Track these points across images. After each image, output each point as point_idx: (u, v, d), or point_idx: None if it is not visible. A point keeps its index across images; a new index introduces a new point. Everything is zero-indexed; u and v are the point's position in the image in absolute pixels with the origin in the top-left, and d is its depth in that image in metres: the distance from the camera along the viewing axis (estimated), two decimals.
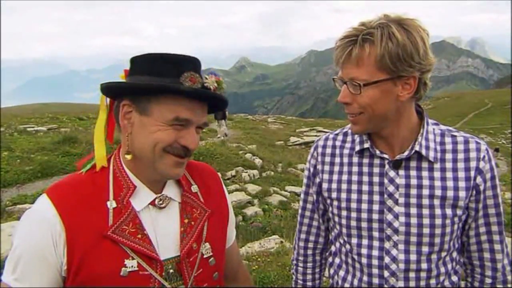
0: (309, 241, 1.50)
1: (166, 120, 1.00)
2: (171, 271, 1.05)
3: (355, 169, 1.29)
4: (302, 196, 1.48)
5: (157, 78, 1.00)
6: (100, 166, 1.08)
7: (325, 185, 1.34)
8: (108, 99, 1.12)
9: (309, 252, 1.51)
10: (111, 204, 1.02)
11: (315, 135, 24.22)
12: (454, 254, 1.29)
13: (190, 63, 1.02)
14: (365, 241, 1.26)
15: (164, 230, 1.07)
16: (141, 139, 1.02)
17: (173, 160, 1.03)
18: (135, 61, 1.05)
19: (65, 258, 0.97)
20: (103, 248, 0.98)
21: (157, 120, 1.00)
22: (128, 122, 1.04)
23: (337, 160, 1.34)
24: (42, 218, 0.98)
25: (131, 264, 0.99)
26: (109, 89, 1.07)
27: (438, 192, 1.19)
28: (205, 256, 1.12)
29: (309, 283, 1.53)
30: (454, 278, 1.29)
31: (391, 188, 1.22)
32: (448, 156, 1.22)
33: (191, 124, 1.03)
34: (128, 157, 1.05)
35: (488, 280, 1.30)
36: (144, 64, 1.03)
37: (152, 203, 1.08)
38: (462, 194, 1.19)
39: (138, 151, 1.04)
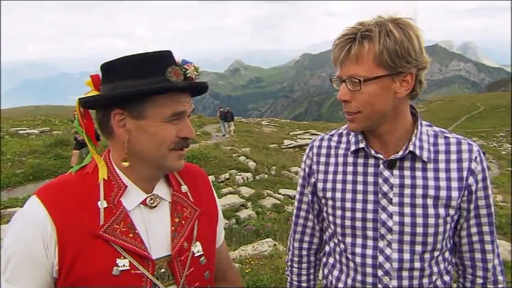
0: (303, 241, 1.50)
1: (165, 117, 1.01)
2: (162, 270, 1.05)
3: (349, 169, 1.30)
4: (297, 196, 1.49)
5: (143, 80, 1.00)
6: (93, 168, 1.07)
7: (320, 185, 1.35)
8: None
9: (304, 252, 1.51)
10: (102, 204, 1.01)
11: (309, 138, 24.31)
12: (446, 254, 1.30)
13: (168, 57, 1.04)
14: (359, 241, 1.27)
15: (155, 230, 1.07)
16: (144, 143, 1.03)
17: (177, 154, 1.07)
18: (111, 67, 1.03)
19: (57, 258, 0.96)
20: (95, 248, 0.97)
21: (155, 121, 1.01)
22: (125, 130, 1.02)
23: (332, 160, 1.35)
24: (33, 219, 0.97)
25: (123, 263, 0.99)
26: (98, 101, 1.03)
27: (431, 192, 1.21)
28: (196, 255, 1.12)
29: (304, 284, 1.53)
30: (446, 278, 1.30)
31: (385, 188, 1.23)
32: (441, 156, 1.23)
33: (185, 114, 1.06)
34: (126, 164, 1.04)
35: (479, 280, 1.31)
36: (126, 69, 1.01)
37: (143, 202, 1.08)
38: (454, 194, 1.20)
39: (140, 154, 1.04)
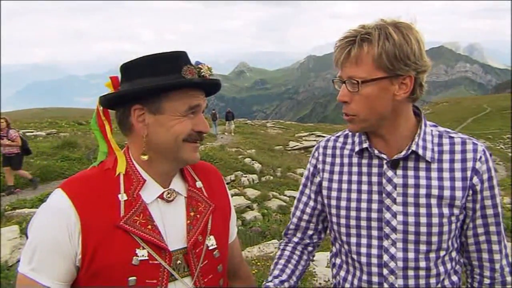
0: (295, 235, 1.51)
1: (181, 112, 1.07)
2: (178, 261, 1.09)
3: (354, 169, 1.31)
4: (297, 195, 1.50)
5: (160, 77, 1.06)
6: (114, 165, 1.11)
7: (325, 184, 1.37)
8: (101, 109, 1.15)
9: (295, 239, 1.50)
10: (122, 196, 1.07)
11: (314, 140, 24.30)
12: (454, 254, 1.30)
13: (183, 57, 1.10)
14: (364, 240, 1.28)
15: (171, 222, 1.12)
16: (161, 136, 1.08)
17: (191, 146, 1.12)
18: (129, 67, 1.10)
19: (80, 247, 1.01)
20: (116, 238, 1.02)
21: (172, 115, 1.07)
22: (143, 125, 1.08)
23: (338, 160, 1.37)
24: (58, 210, 1.02)
25: (142, 253, 1.04)
26: (119, 97, 1.09)
27: (435, 192, 1.21)
28: (210, 248, 1.17)
29: (281, 260, 1.44)
30: (454, 278, 1.30)
31: (389, 188, 1.25)
32: (446, 156, 1.24)
33: (200, 109, 1.11)
34: (145, 157, 1.09)
35: (487, 281, 1.31)
36: (143, 67, 1.08)
37: (161, 196, 1.13)
38: (458, 193, 1.21)
39: (157, 148, 1.09)
